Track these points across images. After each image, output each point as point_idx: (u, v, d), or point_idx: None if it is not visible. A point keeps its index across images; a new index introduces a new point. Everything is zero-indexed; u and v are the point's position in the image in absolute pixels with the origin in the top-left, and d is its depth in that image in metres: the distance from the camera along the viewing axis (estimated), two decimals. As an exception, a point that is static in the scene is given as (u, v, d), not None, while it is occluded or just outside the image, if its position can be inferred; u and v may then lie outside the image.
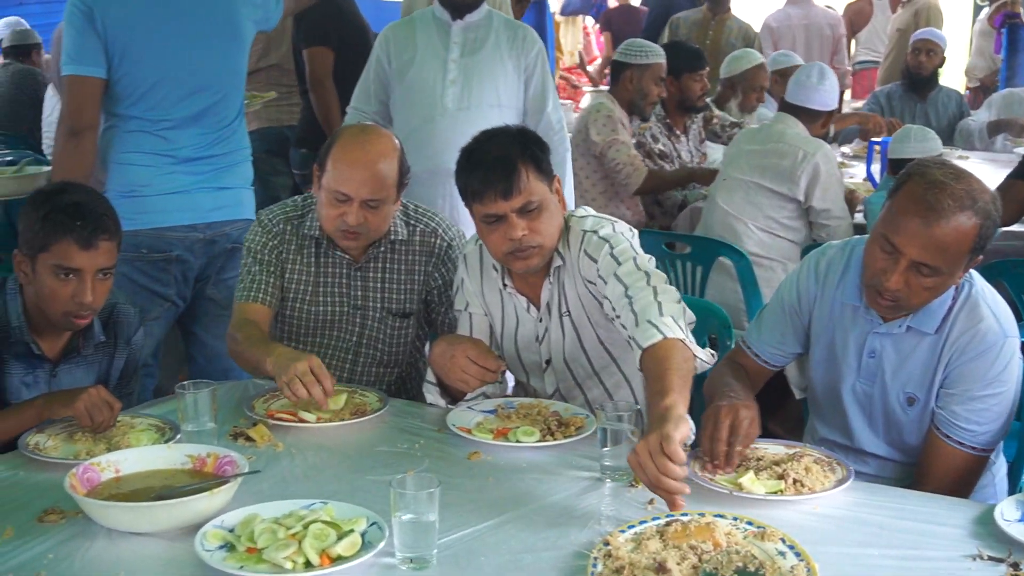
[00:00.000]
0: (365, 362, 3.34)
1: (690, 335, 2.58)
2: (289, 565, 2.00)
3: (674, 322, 2.56)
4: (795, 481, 2.36)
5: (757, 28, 8.80)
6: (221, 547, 2.08)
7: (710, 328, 3.49)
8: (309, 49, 5.69)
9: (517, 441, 2.65)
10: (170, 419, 2.76)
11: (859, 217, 5.14)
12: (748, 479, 2.37)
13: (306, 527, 2.08)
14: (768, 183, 4.94)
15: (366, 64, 4.48)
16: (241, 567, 2.00)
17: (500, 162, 2.82)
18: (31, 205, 2.87)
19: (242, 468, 2.35)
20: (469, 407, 2.88)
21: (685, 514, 2.19)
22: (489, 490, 2.42)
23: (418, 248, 3.31)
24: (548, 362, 3.05)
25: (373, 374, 3.34)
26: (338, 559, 2.02)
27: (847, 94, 9.65)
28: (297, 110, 6.06)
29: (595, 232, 2.88)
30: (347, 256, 3.26)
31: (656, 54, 5.87)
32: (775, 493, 2.34)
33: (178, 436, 2.65)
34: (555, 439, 2.67)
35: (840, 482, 2.38)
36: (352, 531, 2.09)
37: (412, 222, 3.31)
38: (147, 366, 3.72)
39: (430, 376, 2.99)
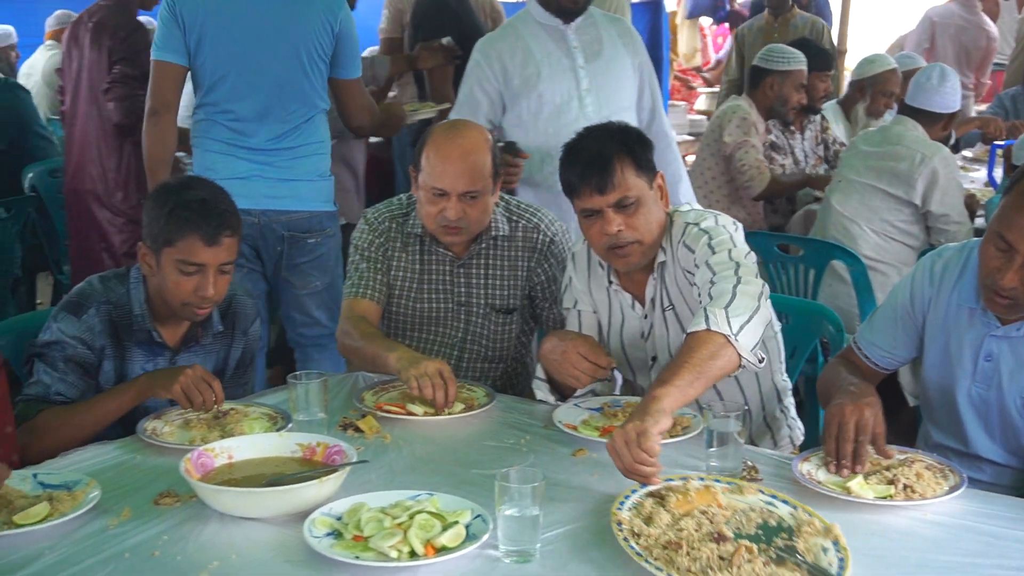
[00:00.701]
0: (470, 358, 3.37)
1: (748, 333, 2.54)
2: (395, 554, 2.02)
3: (728, 317, 2.54)
4: (905, 487, 2.32)
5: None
6: (329, 534, 2.12)
7: (822, 331, 3.44)
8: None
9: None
10: (282, 409, 2.82)
11: (980, 221, 5.03)
12: (857, 483, 2.34)
13: (412, 517, 2.11)
14: (884, 186, 4.85)
15: (464, 87, 4.19)
16: (348, 554, 2.03)
17: (597, 157, 2.83)
18: (156, 199, 2.93)
19: (351, 458, 2.39)
20: (576, 404, 2.88)
21: (670, 479, 2.31)
22: (593, 486, 2.42)
23: (520, 244, 3.32)
24: (654, 359, 3.03)
25: (478, 370, 3.37)
26: (442, 550, 2.05)
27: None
28: None
29: (696, 224, 2.86)
30: (450, 253, 3.30)
31: (798, 60, 5.83)
32: (884, 498, 2.29)
33: (289, 425, 2.71)
34: (662, 438, 2.66)
35: (952, 489, 2.33)
36: (457, 523, 2.11)
37: (514, 218, 3.33)
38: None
39: (540, 373, 3.00)
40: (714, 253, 2.76)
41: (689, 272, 2.86)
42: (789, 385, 3.18)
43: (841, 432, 2.43)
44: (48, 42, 8.15)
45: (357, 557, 2.03)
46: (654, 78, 4.36)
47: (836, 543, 2.05)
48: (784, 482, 2.41)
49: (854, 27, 9.56)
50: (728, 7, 12.86)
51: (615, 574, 2.03)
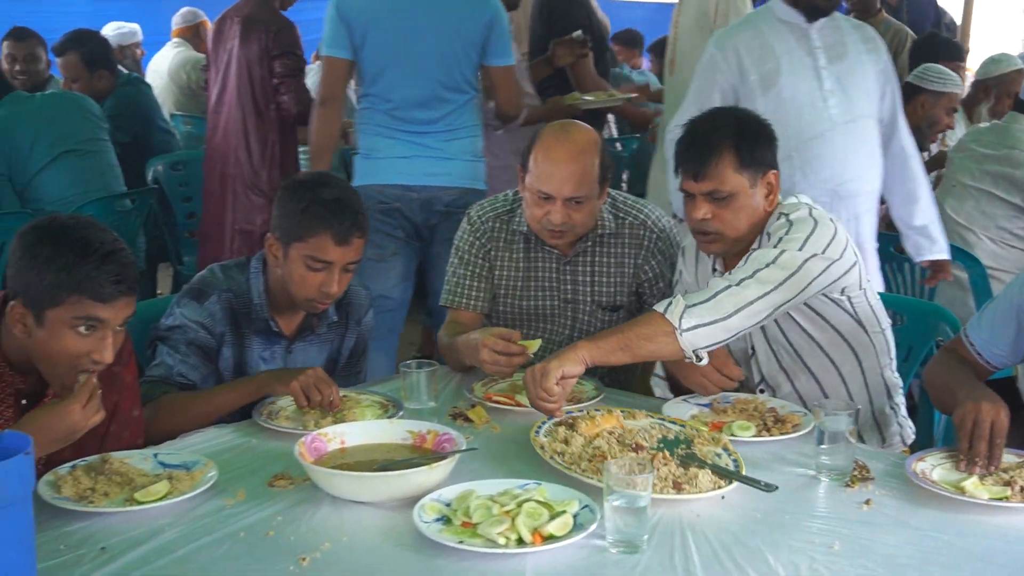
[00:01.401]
0: None
1: (700, 334, 2.63)
2: (502, 541, 2.04)
3: (685, 312, 2.62)
4: (1022, 489, 2.27)
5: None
6: (438, 520, 2.15)
7: (939, 333, 3.38)
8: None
9: (732, 435, 2.63)
10: (393, 397, 2.87)
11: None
12: (972, 483, 2.30)
13: (520, 505, 2.13)
14: (1002, 193, 4.72)
15: (696, 81, 4.10)
16: (456, 540, 2.06)
17: (702, 144, 2.84)
18: (291, 193, 2.98)
19: (460, 446, 2.42)
20: (685, 400, 2.87)
21: (581, 411, 2.69)
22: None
23: (627, 240, 3.30)
24: (753, 349, 3.01)
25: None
26: (550, 538, 2.06)
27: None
28: None
29: (787, 215, 2.83)
30: (555, 250, 3.29)
31: (953, 83, 5.59)
32: (999, 499, 2.25)
33: (400, 413, 2.75)
34: (770, 435, 2.64)
35: (1070, 494, 2.28)
36: (564, 512, 2.12)
37: (621, 214, 3.31)
38: (389, 298, 4.31)
39: (659, 370, 2.99)
40: (773, 246, 2.75)
41: None
42: (900, 383, 3.12)
43: (977, 430, 2.39)
44: (174, 39, 8.35)
45: (461, 542, 2.05)
46: (897, 90, 4.13)
47: (726, 449, 2.49)
48: (896, 481, 2.39)
49: (977, 25, 9.28)
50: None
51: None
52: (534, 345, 2.92)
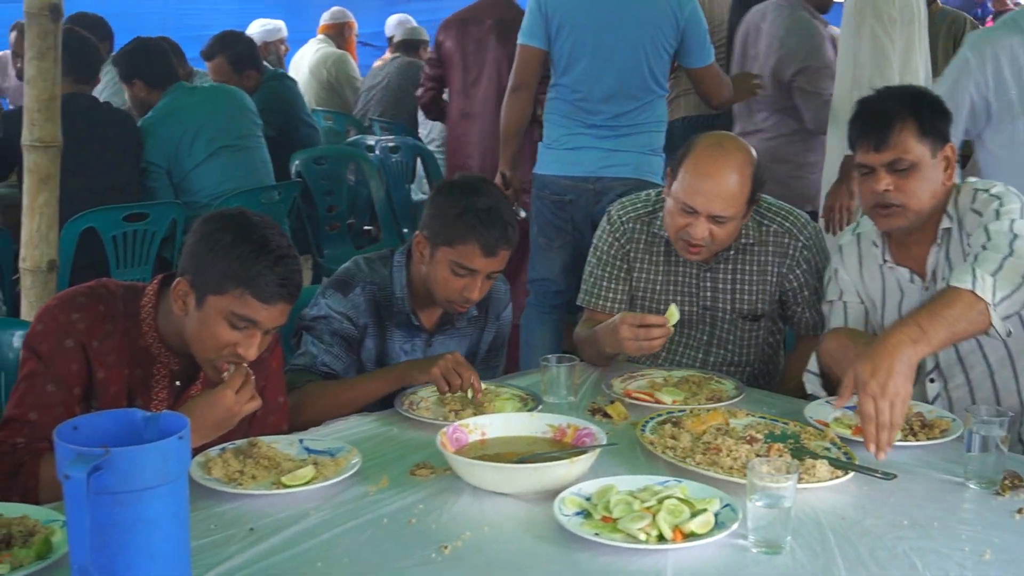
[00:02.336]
0: (715, 361, 3.32)
1: (1005, 306, 2.51)
2: (643, 537, 2.04)
3: (995, 285, 2.49)
4: None
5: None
6: (578, 513, 2.15)
7: None
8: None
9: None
10: (532, 391, 2.88)
11: None
12: None
13: (660, 502, 2.12)
14: None
15: (944, 83, 3.79)
16: (596, 534, 2.06)
17: (880, 115, 2.79)
18: (447, 195, 2.99)
19: (600, 441, 2.42)
20: (828, 401, 2.82)
21: (682, 410, 2.71)
22: (843, 484, 2.37)
23: (771, 249, 3.23)
24: None
25: (723, 372, 3.33)
26: (691, 535, 2.05)
27: None
28: None
29: (987, 190, 2.78)
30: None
31: None
32: None
33: (539, 407, 2.76)
34: (916, 440, 2.59)
35: None
36: (706, 510, 2.11)
37: (765, 222, 3.24)
38: (552, 281, 4.59)
39: (813, 366, 2.93)
40: (997, 219, 2.67)
41: (970, 235, 2.77)
42: None
43: None
44: (318, 36, 8.53)
45: (598, 535, 2.05)
46: None
47: (834, 443, 2.52)
48: (1050, 492, 2.32)
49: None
50: (987, 8, 12.24)
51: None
52: (673, 316, 2.91)
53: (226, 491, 2.27)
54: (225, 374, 2.44)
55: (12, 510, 2.13)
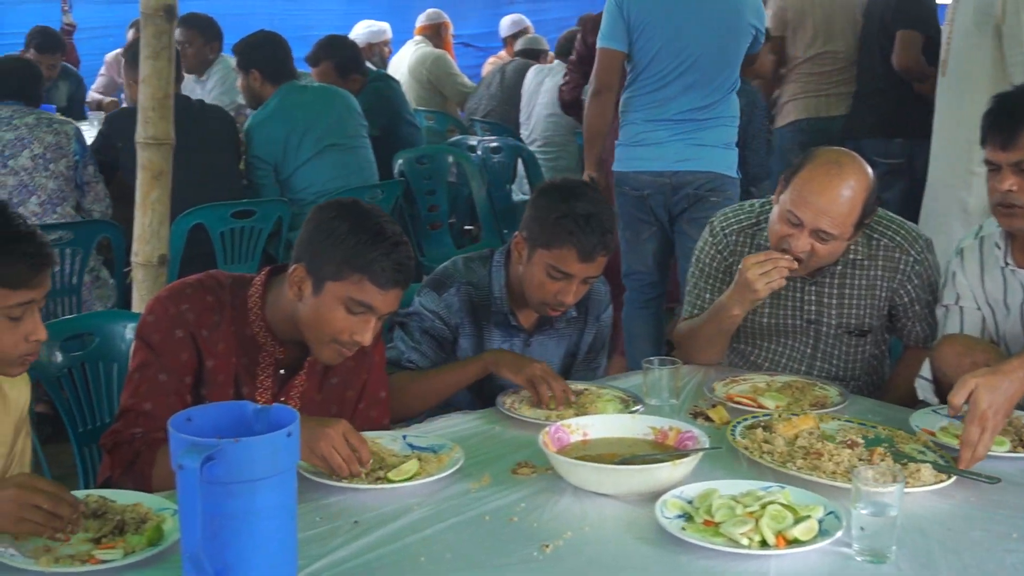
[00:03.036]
0: (819, 375, 3.22)
1: None
2: (745, 542, 2.03)
3: None
4: None
5: None
6: (679, 516, 2.15)
7: None
8: (907, 32, 5.77)
9: (985, 450, 2.53)
10: (633, 392, 2.88)
11: None
12: None
13: (763, 507, 2.10)
14: None
15: None
16: (699, 537, 2.05)
17: (1012, 113, 2.74)
18: (547, 197, 2.99)
19: (703, 444, 2.41)
20: (934, 410, 2.77)
21: (767, 414, 2.69)
22: (946, 492, 2.33)
23: (881, 264, 3.14)
24: None
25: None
26: (794, 542, 2.03)
27: None
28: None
29: None
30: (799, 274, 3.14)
31: None
32: None
33: (640, 409, 2.76)
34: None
35: None
36: (809, 517, 2.08)
37: (875, 236, 3.14)
38: (646, 272, 4.78)
39: (926, 372, 2.88)
40: None
41: None
42: None
43: None
44: (417, 37, 8.61)
45: (704, 540, 2.04)
46: None
47: (927, 447, 2.52)
48: None
49: None
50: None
51: (976, 585, 1.96)
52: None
53: (332, 484, 2.31)
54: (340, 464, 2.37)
55: (125, 497, 2.20)
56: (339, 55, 6.35)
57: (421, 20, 8.77)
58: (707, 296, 3.26)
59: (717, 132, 4.61)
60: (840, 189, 2.91)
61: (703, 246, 3.31)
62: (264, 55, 5.55)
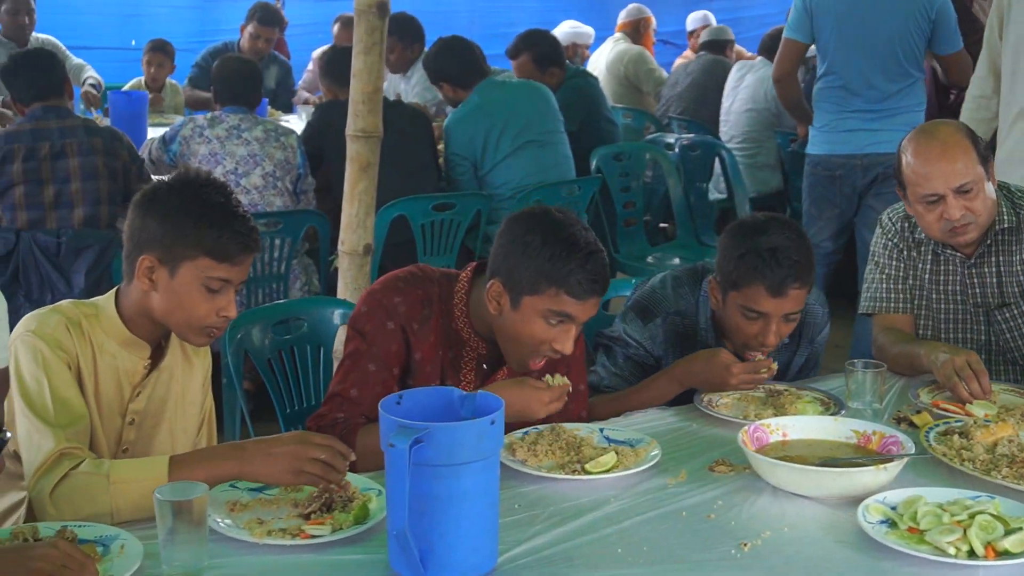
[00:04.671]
0: (997, 360, 3.16)
1: None
2: (952, 551, 1.98)
3: None
4: None
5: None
6: (882, 522, 2.11)
7: None
8: None
9: None
10: (835, 395, 2.83)
11: None
12: None
13: (972, 517, 2.04)
14: None
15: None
16: (902, 544, 2.01)
17: None
18: (732, 236, 2.92)
19: (908, 450, 2.35)
20: None
21: (960, 420, 2.62)
22: None
23: None
24: None
25: (1009, 373, 3.17)
26: (1004, 553, 1.97)
27: None
28: None
29: None
30: (959, 253, 3.11)
31: None
32: None
33: (842, 411, 2.71)
34: None
35: None
36: (1021, 528, 2.02)
37: (1019, 205, 3.09)
38: (825, 247, 5.12)
39: None
40: None
41: None
42: None
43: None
44: (617, 34, 8.60)
45: (909, 547, 2.00)
46: None
47: None
48: None
49: None
50: None
51: None
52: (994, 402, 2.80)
53: (530, 473, 2.35)
54: (550, 378, 2.50)
55: (334, 476, 2.28)
56: (539, 47, 6.39)
57: (622, 16, 8.75)
58: (884, 286, 3.22)
59: (904, 117, 4.91)
60: (942, 144, 2.98)
61: (876, 240, 3.29)
62: (446, 65, 5.63)
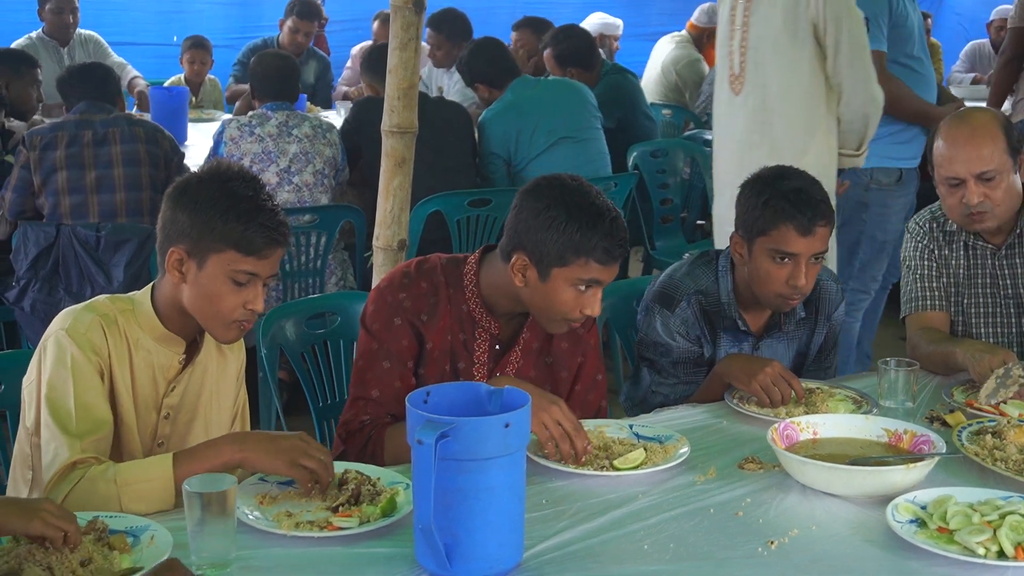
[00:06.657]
0: None
1: None
2: (981, 551, 1.97)
3: None
4: None
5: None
6: (912, 521, 2.10)
7: None
8: None
9: None
10: (867, 393, 2.81)
11: None
12: None
13: (1003, 517, 2.03)
14: None
15: None
16: (932, 544, 2.00)
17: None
18: (751, 189, 2.97)
19: (940, 449, 2.34)
20: None
21: (993, 420, 2.60)
22: None
23: None
24: None
25: None
26: (1033, 555, 1.96)
27: None
28: None
29: None
30: (990, 244, 3.13)
31: None
32: None
33: (874, 410, 2.69)
34: None
35: None
36: (1052, 530, 2.00)
37: None
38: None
39: None
40: None
41: None
42: None
43: None
44: (683, 33, 8.44)
45: (938, 547, 1.99)
46: None
47: None
48: None
49: None
50: None
51: None
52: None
53: (558, 469, 2.35)
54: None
55: (366, 471, 2.30)
56: (559, 46, 6.38)
57: (695, 15, 8.61)
58: (918, 284, 3.23)
59: None
60: (971, 129, 3.01)
61: (904, 246, 3.31)
62: (480, 66, 5.66)
